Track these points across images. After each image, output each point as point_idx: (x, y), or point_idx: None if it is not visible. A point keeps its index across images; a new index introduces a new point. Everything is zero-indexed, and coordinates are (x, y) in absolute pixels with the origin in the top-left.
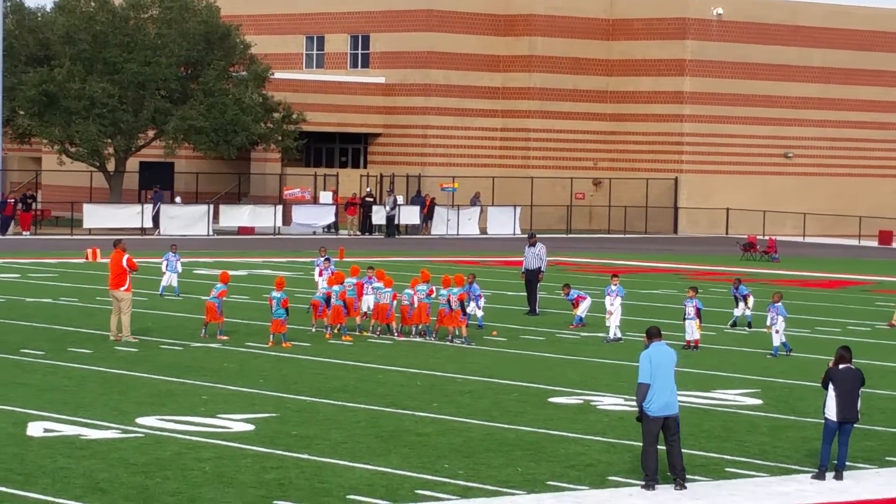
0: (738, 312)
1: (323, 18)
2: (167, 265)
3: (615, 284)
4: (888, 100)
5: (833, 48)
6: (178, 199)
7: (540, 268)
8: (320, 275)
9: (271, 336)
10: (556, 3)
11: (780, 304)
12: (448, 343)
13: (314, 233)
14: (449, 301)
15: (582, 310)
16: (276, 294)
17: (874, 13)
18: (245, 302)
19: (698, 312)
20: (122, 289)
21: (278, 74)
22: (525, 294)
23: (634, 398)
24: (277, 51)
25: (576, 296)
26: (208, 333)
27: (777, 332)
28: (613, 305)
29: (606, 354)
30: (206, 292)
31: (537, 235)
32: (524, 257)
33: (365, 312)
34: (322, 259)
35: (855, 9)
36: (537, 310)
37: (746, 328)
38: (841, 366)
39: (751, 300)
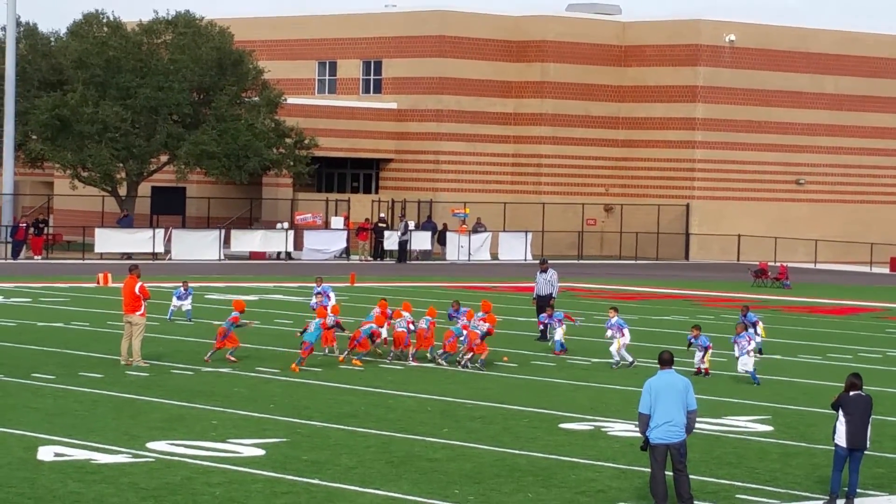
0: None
1: (335, 44)
2: (177, 298)
3: (614, 318)
4: None
5: (845, 75)
6: (178, 229)
7: (552, 294)
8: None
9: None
10: (568, 30)
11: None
12: (460, 368)
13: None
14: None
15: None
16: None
17: (885, 40)
18: (256, 327)
19: (705, 350)
20: (138, 314)
21: (291, 100)
22: (536, 320)
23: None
24: (290, 76)
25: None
26: (213, 358)
27: (749, 353)
28: (615, 336)
29: (617, 380)
30: (218, 317)
31: (549, 262)
32: (535, 283)
33: (385, 338)
34: (319, 288)
35: (866, 36)
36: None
37: (757, 355)
38: (852, 393)
39: (760, 327)
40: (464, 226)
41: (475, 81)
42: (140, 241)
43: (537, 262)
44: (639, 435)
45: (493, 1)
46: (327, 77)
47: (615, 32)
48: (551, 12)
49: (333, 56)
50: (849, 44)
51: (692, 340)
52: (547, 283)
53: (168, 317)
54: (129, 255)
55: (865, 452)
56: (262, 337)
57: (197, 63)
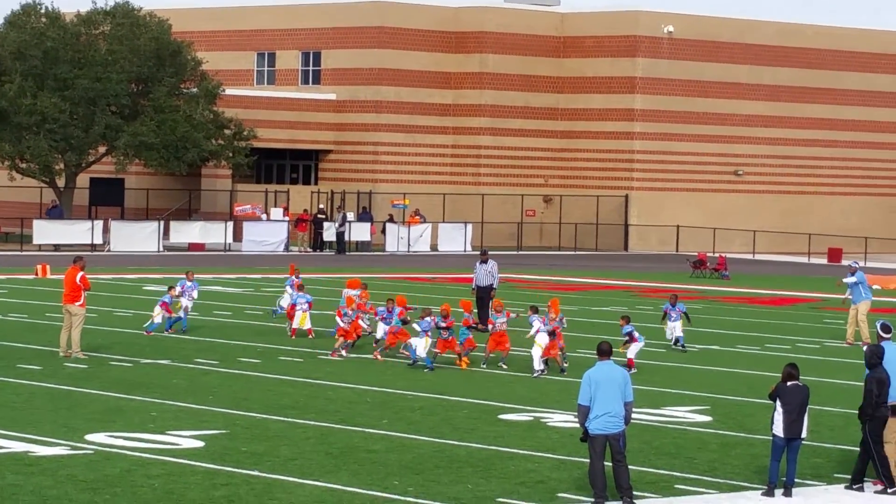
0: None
1: (274, 35)
2: (183, 291)
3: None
4: (837, 117)
5: (783, 66)
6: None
7: (492, 285)
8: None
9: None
10: (507, 21)
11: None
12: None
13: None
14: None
15: (632, 352)
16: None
17: (823, 31)
18: (194, 318)
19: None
20: (77, 304)
21: (229, 91)
22: (476, 311)
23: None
24: (228, 67)
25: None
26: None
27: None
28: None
29: (556, 371)
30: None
31: (489, 252)
32: (475, 274)
33: (377, 339)
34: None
35: (804, 27)
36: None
37: (678, 346)
38: (789, 383)
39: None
40: (415, 216)
41: (414, 72)
42: (78, 232)
43: (477, 252)
44: (577, 426)
45: None
46: (266, 68)
47: (554, 23)
48: (490, 3)
49: (272, 47)
50: (787, 35)
51: (667, 308)
52: (487, 274)
53: (167, 326)
54: (60, 247)
55: (803, 442)
56: (200, 329)
57: (135, 54)
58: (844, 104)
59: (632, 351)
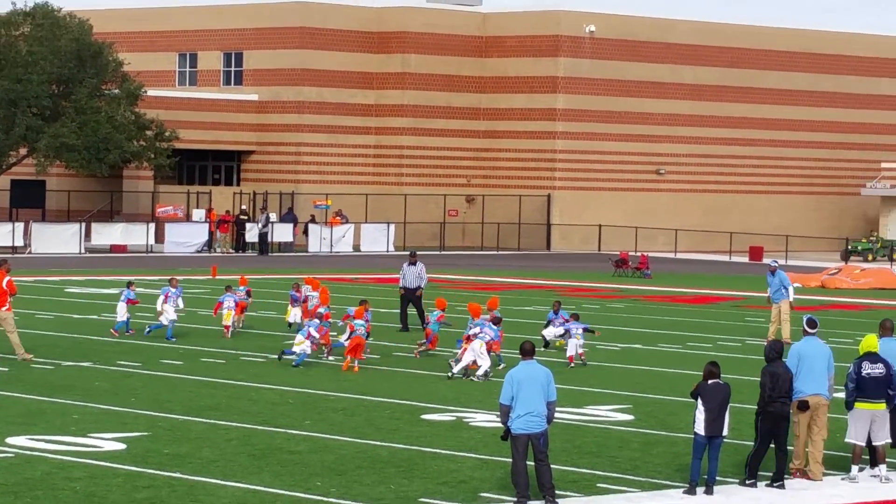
0: (548, 334)
1: (195, 36)
2: (166, 299)
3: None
4: (758, 116)
5: (703, 65)
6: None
7: (420, 286)
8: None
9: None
10: (428, 21)
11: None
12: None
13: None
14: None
15: (571, 349)
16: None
17: (742, 30)
18: (116, 320)
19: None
20: (3, 309)
21: (151, 92)
22: (399, 311)
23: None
24: (150, 68)
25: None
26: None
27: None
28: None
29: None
30: (78, 311)
31: (417, 254)
32: (402, 275)
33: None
34: (295, 292)
35: (724, 26)
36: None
37: (543, 348)
38: (710, 381)
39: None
40: (337, 217)
41: (336, 73)
42: None
43: (398, 252)
44: (499, 425)
45: None
46: (188, 69)
47: (476, 23)
48: (412, 3)
49: (194, 48)
50: (707, 34)
51: (552, 317)
52: (416, 276)
53: (146, 330)
54: None
55: (725, 440)
56: (123, 331)
57: (56, 55)
58: (765, 103)
59: (571, 348)
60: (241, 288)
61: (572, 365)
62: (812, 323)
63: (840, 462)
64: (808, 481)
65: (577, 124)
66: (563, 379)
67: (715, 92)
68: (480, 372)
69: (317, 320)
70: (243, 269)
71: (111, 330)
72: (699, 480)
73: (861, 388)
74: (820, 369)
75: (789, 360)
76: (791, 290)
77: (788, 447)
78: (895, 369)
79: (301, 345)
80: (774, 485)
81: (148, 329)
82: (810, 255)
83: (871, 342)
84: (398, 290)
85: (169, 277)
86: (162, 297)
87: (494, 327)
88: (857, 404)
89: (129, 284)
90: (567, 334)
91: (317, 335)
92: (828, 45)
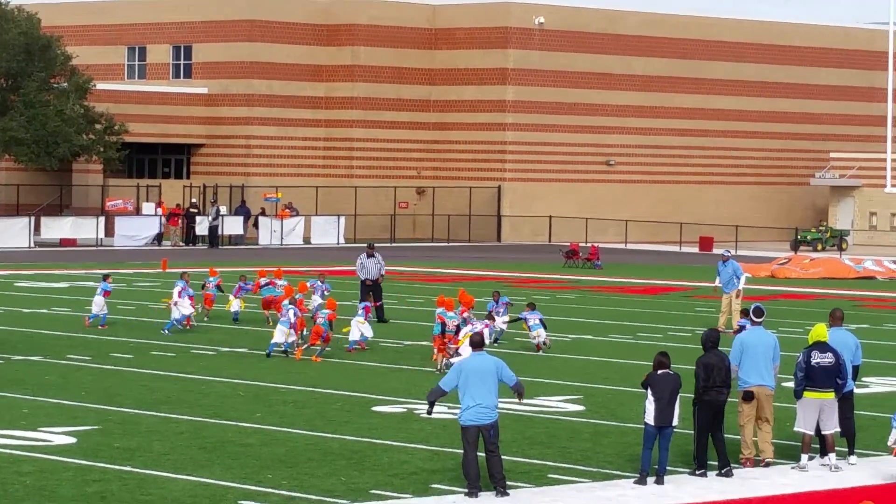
0: (499, 324)
1: (144, 29)
2: (181, 292)
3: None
4: (708, 107)
5: (653, 56)
6: None
7: (380, 277)
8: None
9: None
10: (377, 13)
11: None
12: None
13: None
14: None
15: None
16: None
17: (691, 21)
18: (66, 314)
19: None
20: None
21: (100, 85)
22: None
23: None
24: (99, 62)
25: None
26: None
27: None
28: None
29: (430, 363)
30: (28, 305)
31: (374, 246)
32: (361, 267)
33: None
34: (316, 282)
35: (673, 17)
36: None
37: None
38: (660, 371)
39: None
40: (287, 210)
41: (286, 65)
42: None
43: (348, 245)
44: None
45: None
46: (137, 62)
47: (425, 15)
48: None
49: (143, 41)
50: (656, 25)
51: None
52: (376, 266)
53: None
54: None
55: (675, 430)
56: (73, 324)
57: (4, 49)
58: (714, 94)
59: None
60: (213, 279)
61: (541, 352)
62: (758, 312)
63: (790, 451)
64: (757, 470)
65: (527, 116)
66: (513, 370)
67: (665, 83)
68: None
69: (294, 308)
70: (193, 262)
71: (86, 319)
72: (650, 470)
73: (810, 378)
74: (764, 359)
75: (733, 350)
76: (743, 279)
77: (735, 436)
78: (844, 359)
79: (287, 335)
80: (722, 472)
81: (167, 328)
82: (760, 245)
83: (820, 332)
84: (363, 282)
85: (181, 272)
86: (177, 291)
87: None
88: (805, 393)
89: (105, 277)
90: (524, 323)
91: (293, 319)
92: (777, 35)
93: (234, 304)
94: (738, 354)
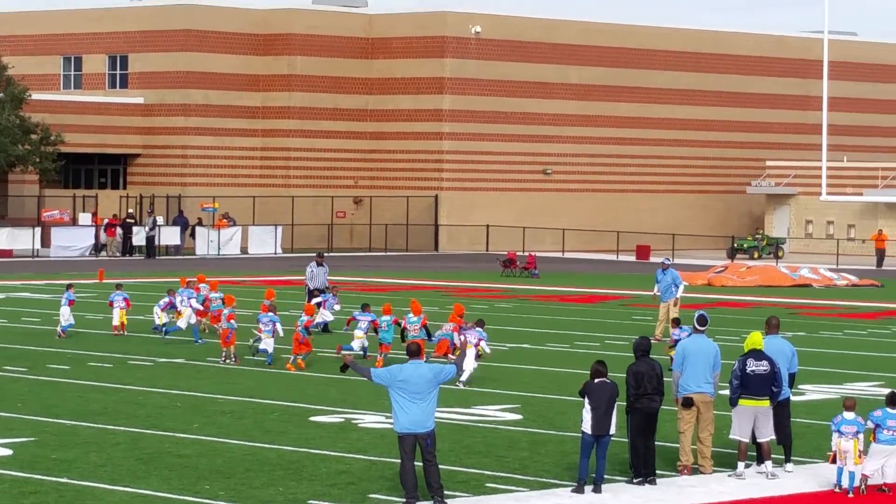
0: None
1: (80, 39)
2: (181, 301)
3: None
4: (644, 116)
5: (589, 65)
6: None
7: (327, 287)
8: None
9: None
10: (314, 23)
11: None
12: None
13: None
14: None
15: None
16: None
17: (628, 30)
18: (2, 325)
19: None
20: None
21: (36, 95)
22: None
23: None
24: (34, 72)
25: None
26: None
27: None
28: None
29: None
30: None
31: (325, 255)
32: (310, 276)
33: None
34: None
35: (610, 26)
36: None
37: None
38: (596, 380)
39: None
40: (223, 220)
41: (222, 75)
42: None
43: (286, 255)
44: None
45: None
46: (73, 72)
47: (362, 25)
48: (298, 5)
49: (79, 51)
50: (593, 34)
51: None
52: (325, 275)
53: (163, 332)
54: None
55: (612, 438)
56: (9, 335)
57: None
58: (651, 102)
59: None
60: (204, 284)
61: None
62: (702, 320)
63: (727, 459)
64: (695, 478)
65: (464, 125)
66: (451, 379)
67: (601, 92)
68: (464, 377)
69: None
70: (131, 273)
71: (59, 331)
72: (587, 479)
73: (745, 385)
74: (704, 366)
75: (675, 357)
76: (681, 287)
77: (675, 444)
78: (779, 366)
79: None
80: (646, 480)
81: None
82: (697, 253)
83: (755, 339)
84: (311, 291)
85: (187, 280)
86: (186, 300)
87: (479, 329)
88: (741, 401)
89: (68, 287)
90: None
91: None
92: (713, 44)
93: (165, 318)
94: (680, 361)
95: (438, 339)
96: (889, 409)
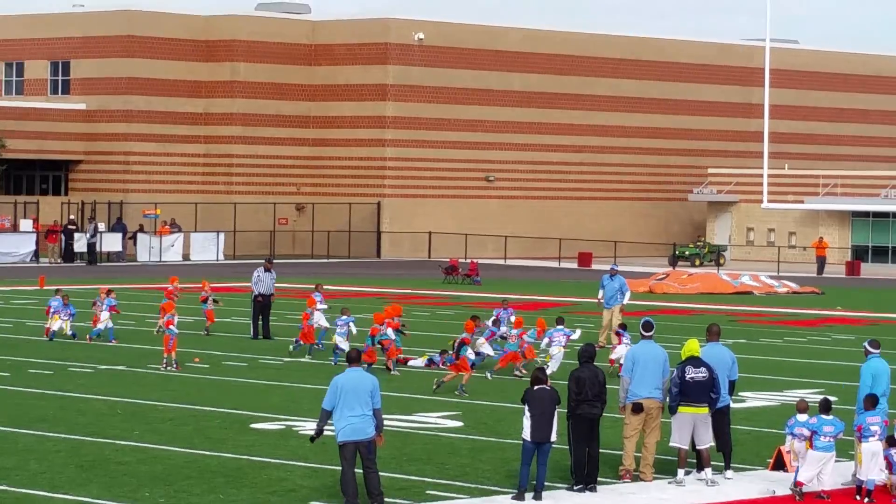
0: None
1: (22, 44)
2: (101, 307)
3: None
4: (587, 123)
5: (532, 72)
6: None
7: (272, 294)
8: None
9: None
10: (257, 29)
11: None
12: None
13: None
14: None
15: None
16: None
17: (571, 38)
18: None
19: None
20: None
21: None
22: (250, 320)
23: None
24: None
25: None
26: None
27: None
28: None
29: (309, 380)
30: None
31: (274, 261)
32: (258, 282)
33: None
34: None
35: (553, 34)
36: (271, 335)
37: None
38: (536, 387)
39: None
40: (166, 226)
41: (165, 81)
42: None
43: (228, 261)
44: (328, 433)
45: (183, 0)
46: (14, 78)
47: (305, 31)
48: (241, 12)
49: (20, 56)
50: (536, 41)
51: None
52: (271, 281)
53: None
54: None
55: (553, 446)
56: None
57: None
58: (593, 109)
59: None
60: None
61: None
62: (647, 326)
63: (667, 466)
64: (636, 485)
65: (407, 132)
66: (392, 386)
67: (544, 99)
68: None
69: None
70: (72, 279)
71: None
72: (528, 486)
73: (684, 393)
74: (654, 372)
75: (625, 363)
76: (627, 295)
77: (618, 451)
78: (717, 373)
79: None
80: (587, 487)
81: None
82: (638, 261)
83: (692, 347)
84: (255, 297)
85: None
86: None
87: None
88: (679, 408)
89: (57, 291)
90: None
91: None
92: (655, 52)
93: (104, 323)
94: (630, 367)
95: (503, 353)
96: (823, 416)
